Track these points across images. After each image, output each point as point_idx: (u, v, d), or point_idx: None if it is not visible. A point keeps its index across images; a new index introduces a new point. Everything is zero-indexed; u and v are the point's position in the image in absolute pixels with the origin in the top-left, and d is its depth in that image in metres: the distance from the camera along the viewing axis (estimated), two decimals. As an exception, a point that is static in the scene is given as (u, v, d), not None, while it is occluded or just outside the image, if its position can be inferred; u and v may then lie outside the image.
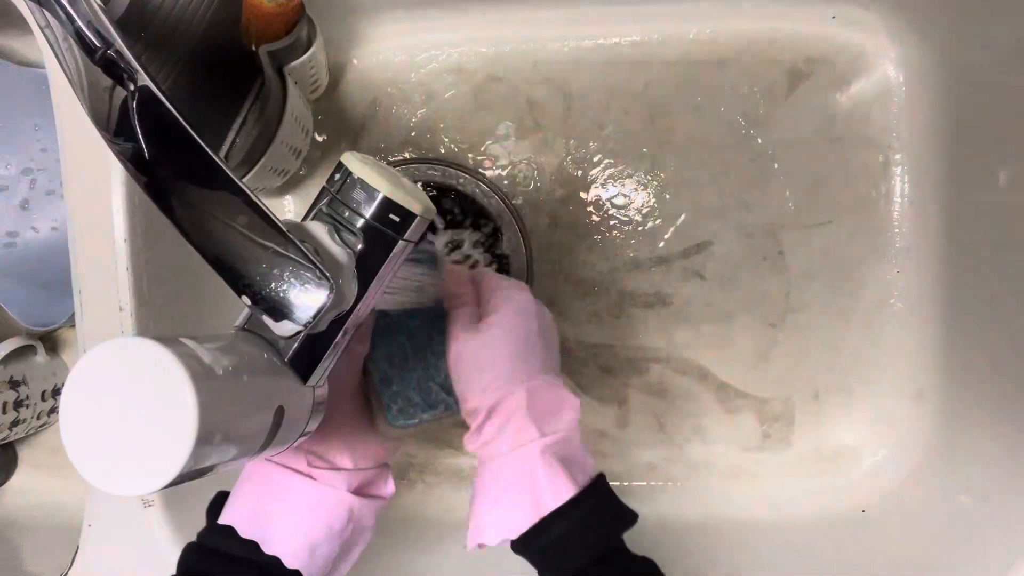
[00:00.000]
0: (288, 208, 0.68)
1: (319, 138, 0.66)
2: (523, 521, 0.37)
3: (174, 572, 0.37)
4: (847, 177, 0.64)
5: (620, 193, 0.65)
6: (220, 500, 0.40)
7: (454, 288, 0.45)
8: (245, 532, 0.37)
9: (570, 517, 0.37)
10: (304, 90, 0.59)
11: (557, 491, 0.37)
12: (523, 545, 0.38)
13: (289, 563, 0.37)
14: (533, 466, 0.38)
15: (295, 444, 0.35)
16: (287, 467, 0.39)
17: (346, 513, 0.39)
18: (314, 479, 0.39)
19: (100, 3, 0.31)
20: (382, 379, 0.43)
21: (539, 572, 0.39)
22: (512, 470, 0.39)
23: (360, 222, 0.34)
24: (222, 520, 0.38)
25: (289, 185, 0.67)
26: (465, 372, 0.41)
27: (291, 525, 0.38)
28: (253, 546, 0.37)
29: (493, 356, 0.40)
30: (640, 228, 0.65)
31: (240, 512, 0.38)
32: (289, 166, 0.61)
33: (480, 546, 0.40)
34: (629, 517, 0.40)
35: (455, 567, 0.58)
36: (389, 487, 0.43)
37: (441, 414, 0.44)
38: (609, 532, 0.38)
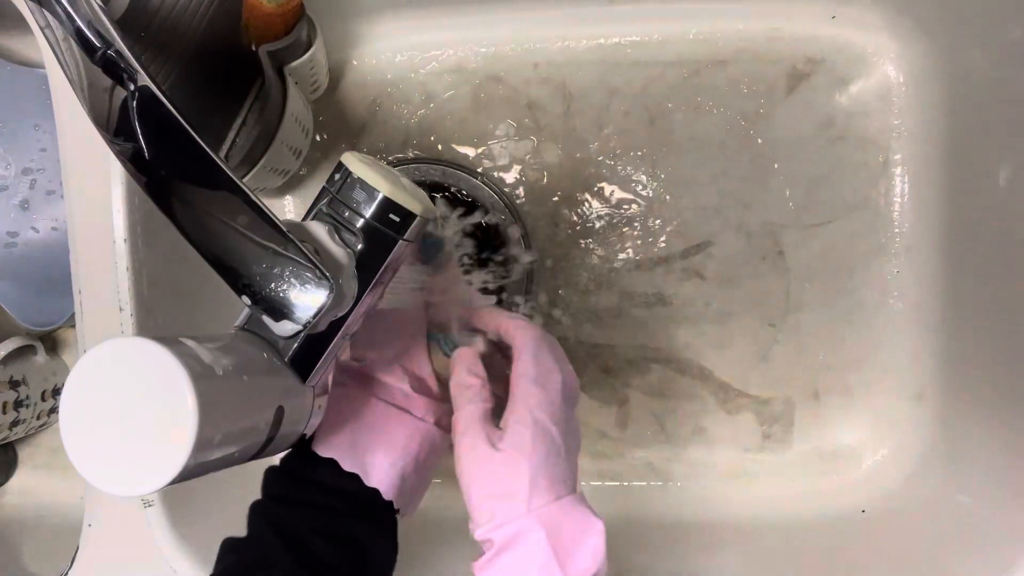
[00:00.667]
0: (288, 208, 0.68)
1: (319, 138, 0.66)
2: None
3: (270, 493, 0.38)
4: (847, 177, 0.64)
5: (620, 193, 0.65)
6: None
7: (464, 375, 0.40)
8: (347, 466, 0.38)
9: None
10: (304, 90, 0.59)
11: None
12: None
13: (387, 495, 0.38)
14: None
15: (294, 443, 0.35)
16: (383, 399, 0.40)
17: (430, 445, 0.40)
18: (408, 410, 0.40)
19: (100, 3, 0.31)
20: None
21: None
22: None
23: (360, 222, 0.34)
24: (322, 451, 0.38)
25: (289, 185, 0.67)
26: (476, 495, 0.37)
27: (388, 458, 0.39)
28: (353, 479, 0.38)
29: (510, 482, 0.36)
30: (640, 228, 0.65)
31: (340, 444, 0.38)
32: (289, 166, 0.61)
33: None
34: None
35: (455, 566, 0.58)
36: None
37: None
38: None
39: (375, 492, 0.38)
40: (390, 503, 0.39)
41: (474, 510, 0.37)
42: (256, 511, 0.38)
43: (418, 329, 0.43)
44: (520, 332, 0.40)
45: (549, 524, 0.35)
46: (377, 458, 0.38)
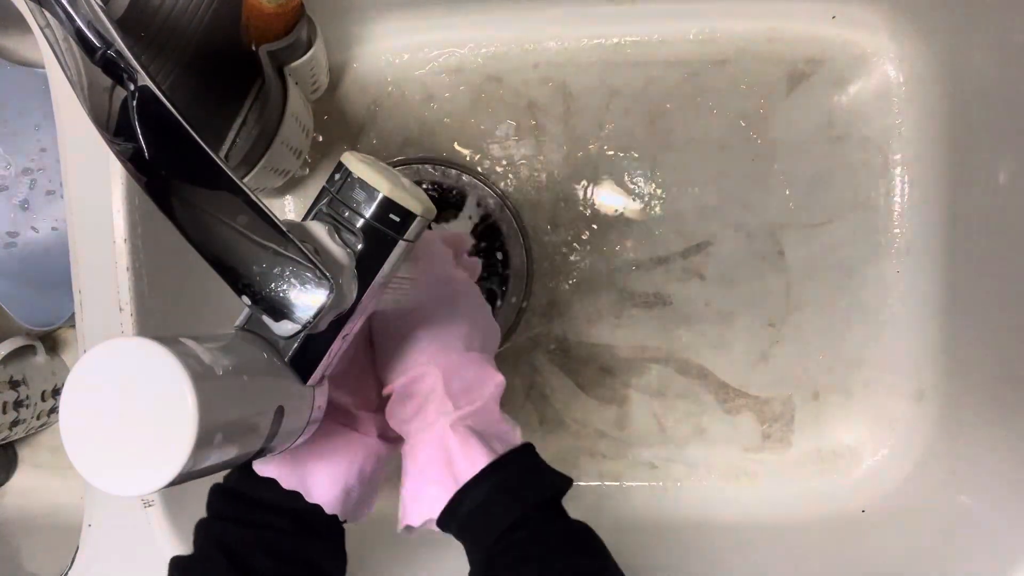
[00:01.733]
0: (288, 208, 0.68)
1: (319, 138, 0.66)
2: (442, 496, 0.37)
3: (214, 511, 0.38)
4: (847, 177, 0.64)
5: (620, 193, 0.65)
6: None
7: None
8: (287, 484, 0.38)
9: (485, 485, 0.36)
10: (305, 90, 0.59)
11: (472, 461, 0.37)
12: (444, 523, 0.38)
13: (329, 510, 0.39)
14: (446, 440, 0.38)
15: (295, 444, 0.35)
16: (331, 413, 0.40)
17: (375, 457, 0.41)
18: (348, 425, 0.41)
19: (100, 3, 0.31)
20: None
21: (466, 550, 0.38)
22: (427, 447, 0.39)
23: (360, 222, 0.34)
24: (261, 471, 0.38)
25: (289, 185, 0.67)
26: (381, 351, 0.41)
27: (329, 474, 0.39)
28: (295, 496, 0.38)
29: (409, 337, 0.40)
30: (640, 228, 0.65)
31: (281, 463, 0.39)
32: (290, 166, 0.61)
33: (408, 528, 0.39)
34: (557, 480, 0.38)
35: (452, 565, 0.58)
36: None
37: None
38: (532, 497, 0.37)
39: (317, 508, 0.38)
40: (332, 519, 0.40)
41: (382, 369, 0.41)
42: (201, 529, 0.38)
43: (362, 343, 0.43)
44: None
45: (446, 369, 0.39)
46: (318, 476, 0.39)
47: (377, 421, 0.42)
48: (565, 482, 0.39)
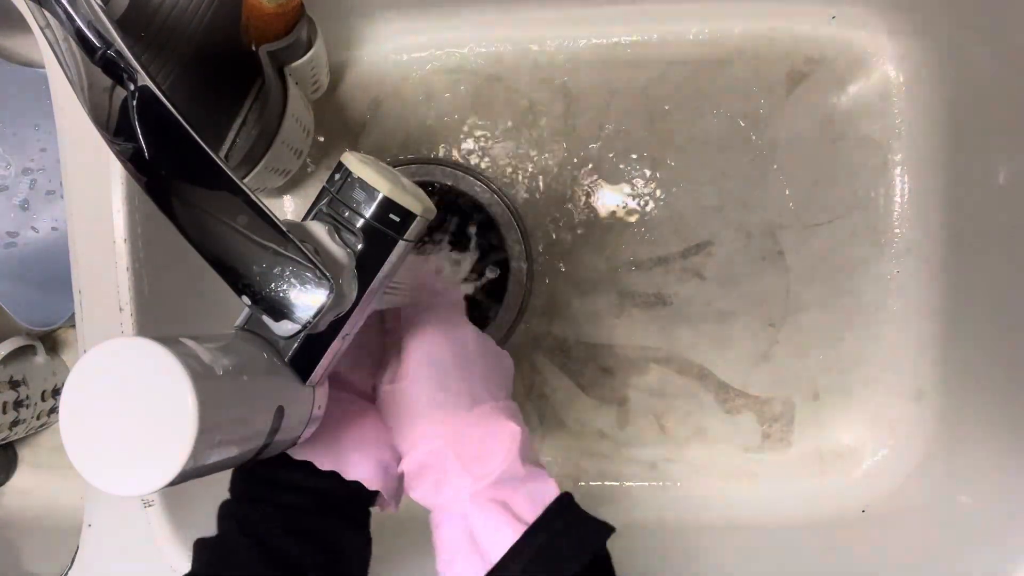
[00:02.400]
0: (288, 208, 0.68)
1: (319, 138, 0.66)
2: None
3: (237, 494, 0.38)
4: (847, 177, 0.64)
5: (620, 193, 0.65)
6: None
7: (391, 322, 0.43)
8: (323, 465, 0.38)
9: (516, 565, 0.34)
10: (305, 90, 0.59)
11: (499, 539, 0.35)
12: None
13: (370, 485, 0.39)
14: (468, 519, 0.36)
15: (294, 443, 0.35)
16: (353, 393, 0.40)
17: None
18: (374, 402, 0.41)
19: (100, 3, 0.31)
20: None
21: None
22: (451, 529, 0.37)
23: (360, 222, 0.34)
24: (296, 455, 0.38)
25: (289, 185, 0.67)
26: (388, 417, 0.40)
27: (364, 450, 0.39)
28: (319, 476, 0.38)
29: (411, 410, 0.39)
30: (640, 228, 0.65)
31: (315, 445, 0.38)
32: (290, 166, 0.61)
33: None
34: (593, 537, 0.36)
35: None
36: None
37: None
38: (569, 567, 0.34)
39: (349, 487, 0.38)
40: (361, 498, 0.40)
41: (397, 444, 0.40)
42: (224, 511, 0.38)
43: (376, 325, 0.43)
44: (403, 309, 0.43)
45: (452, 438, 0.38)
46: (353, 454, 0.39)
47: None
48: (604, 533, 0.36)
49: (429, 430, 0.38)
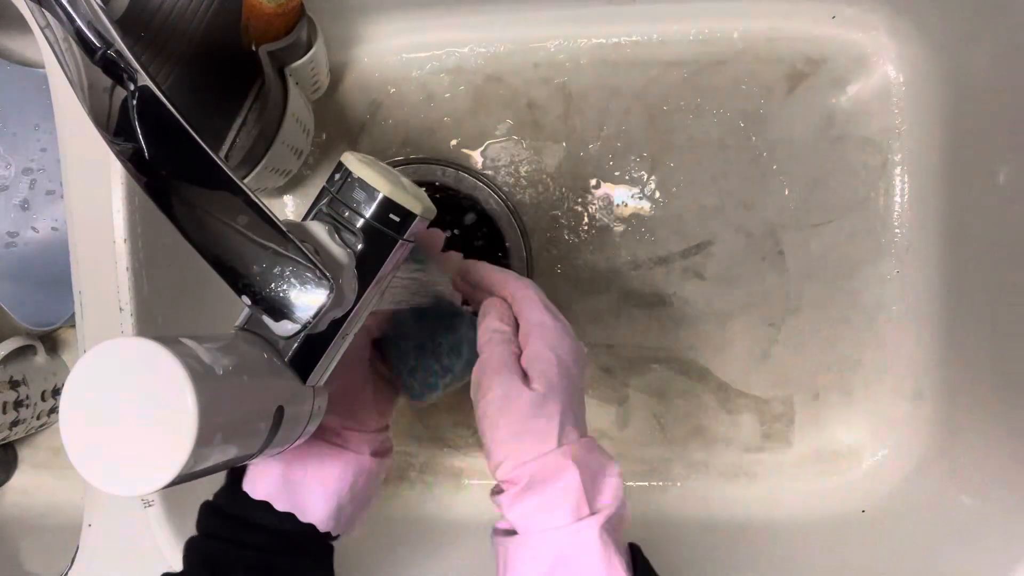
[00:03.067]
0: (288, 208, 0.68)
1: (319, 138, 0.66)
2: None
3: (205, 531, 0.38)
4: (847, 177, 0.64)
5: (620, 193, 0.65)
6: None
7: (495, 321, 0.41)
8: (280, 506, 0.38)
9: None
10: (305, 90, 0.59)
11: None
12: None
13: (323, 528, 0.39)
14: (591, 549, 0.34)
15: (294, 444, 0.35)
16: (315, 437, 0.40)
17: (366, 474, 0.41)
18: (340, 445, 0.41)
19: (100, 3, 0.31)
20: (399, 357, 0.44)
21: None
22: (562, 550, 0.35)
23: (360, 222, 0.34)
24: (254, 494, 0.39)
25: (289, 185, 0.67)
26: (504, 432, 0.37)
27: (320, 492, 0.39)
28: (289, 517, 0.38)
29: (540, 420, 0.36)
30: (640, 228, 0.65)
31: (274, 485, 0.39)
32: (290, 166, 0.61)
33: None
34: None
35: (454, 566, 0.58)
36: (391, 445, 0.45)
37: (460, 374, 0.44)
38: None
39: (309, 527, 0.39)
40: (325, 534, 0.40)
41: (498, 447, 0.37)
42: (189, 547, 0.38)
43: (357, 360, 0.42)
44: (523, 285, 0.42)
45: (579, 461, 0.36)
46: (311, 496, 0.39)
47: (368, 440, 0.42)
48: None
49: (552, 446, 0.36)
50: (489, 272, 0.43)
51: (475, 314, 0.44)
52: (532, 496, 0.36)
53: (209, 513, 0.39)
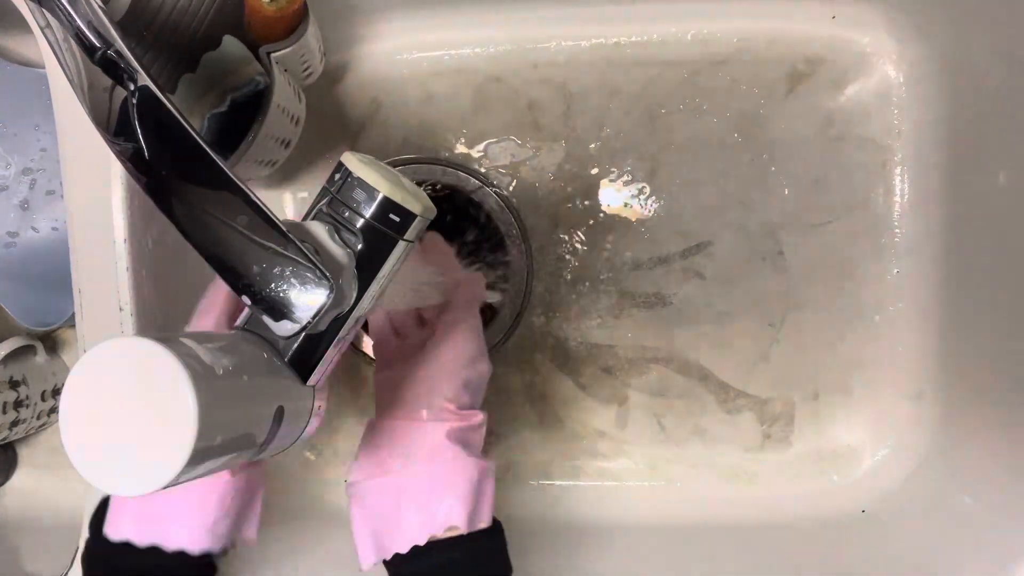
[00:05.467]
0: (288, 208, 0.68)
1: (320, 138, 0.66)
2: (454, 513, 0.40)
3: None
4: (847, 177, 0.64)
5: (620, 193, 0.65)
6: (103, 506, 0.41)
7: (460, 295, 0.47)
8: (142, 540, 0.38)
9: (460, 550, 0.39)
10: (296, 77, 0.58)
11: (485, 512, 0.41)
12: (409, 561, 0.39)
13: (195, 550, 0.38)
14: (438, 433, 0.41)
15: (294, 443, 0.35)
16: None
17: (233, 489, 0.40)
18: None
19: (100, 3, 0.31)
20: None
21: None
22: (442, 461, 0.41)
23: (360, 222, 0.34)
24: (114, 536, 0.38)
25: (289, 185, 0.67)
26: (457, 367, 0.44)
27: (186, 516, 0.39)
28: (154, 550, 0.38)
29: (432, 385, 0.43)
30: (640, 228, 0.65)
31: (130, 522, 0.38)
32: (277, 156, 0.60)
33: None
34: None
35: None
36: None
37: None
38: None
39: (178, 554, 0.38)
40: (203, 556, 0.39)
41: (452, 378, 0.43)
42: None
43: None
44: (469, 286, 0.48)
45: (452, 434, 0.43)
46: (173, 525, 0.39)
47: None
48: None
49: (436, 416, 0.42)
50: (448, 256, 0.51)
51: None
52: (384, 452, 0.42)
53: (88, 559, 0.39)
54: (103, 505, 0.41)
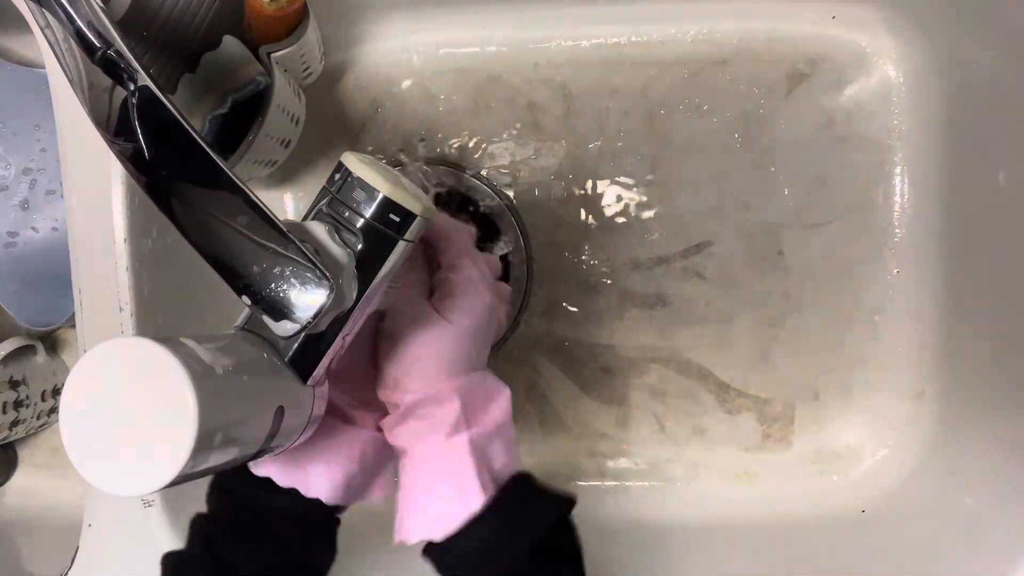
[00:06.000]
0: (288, 208, 0.68)
1: (320, 137, 0.66)
2: (451, 516, 0.37)
3: (209, 511, 0.39)
4: (847, 177, 0.64)
5: (620, 193, 0.65)
6: None
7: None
8: (284, 482, 0.38)
9: (490, 521, 0.36)
10: (296, 77, 0.58)
11: (480, 488, 0.37)
12: (439, 552, 0.37)
13: (329, 501, 0.39)
14: (462, 460, 0.38)
15: (295, 444, 0.35)
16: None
17: (374, 447, 0.41)
18: (348, 420, 0.41)
19: (100, 3, 0.31)
20: None
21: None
22: (438, 461, 0.38)
23: (360, 222, 0.34)
24: (256, 471, 0.38)
25: (289, 184, 0.67)
26: (400, 354, 0.39)
27: (327, 466, 0.39)
28: (290, 492, 0.38)
29: (441, 353, 0.39)
30: (640, 228, 0.65)
31: (276, 462, 0.39)
32: (277, 156, 0.60)
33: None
34: (553, 509, 0.39)
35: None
36: None
37: None
38: (531, 533, 0.37)
39: (314, 502, 0.39)
40: (329, 511, 0.40)
41: (397, 374, 0.39)
42: (193, 525, 0.39)
43: (366, 341, 0.42)
44: (456, 231, 0.43)
45: (464, 392, 0.39)
46: (315, 470, 0.39)
47: (376, 418, 0.42)
48: (563, 505, 0.39)
49: (443, 378, 0.39)
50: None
51: None
52: (407, 422, 0.39)
53: (213, 490, 0.39)
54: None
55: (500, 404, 0.41)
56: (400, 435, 0.40)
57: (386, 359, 0.40)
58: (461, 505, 0.36)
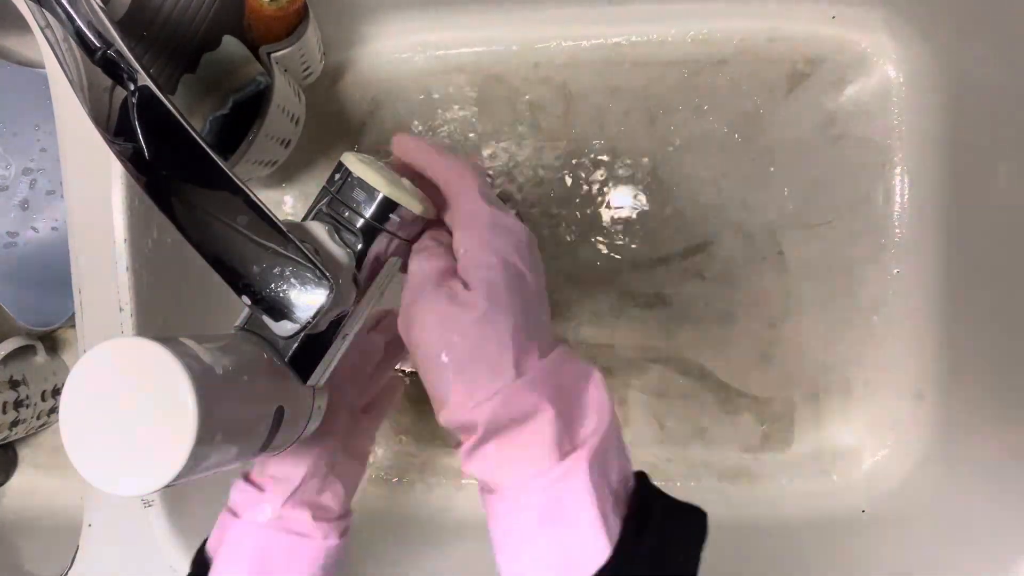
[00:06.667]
0: (288, 208, 0.68)
1: (320, 137, 0.66)
2: (593, 554, 0.28)
3: None
4: (847, 177, 0.64)
5: (620, 193, 0.65)
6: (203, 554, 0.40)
7: (424, 239, 0.34)
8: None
9: (643, 550, 0.29)
10: (296, 77, 0.58)
11: (615, 517, 0.29)
12: None
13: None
14: (579, 495, 0.28)
15: (294, 443, 0.35)
16: (288, 531, 0.39)
17: (335, 555, 0.41)
18: (311, 535, 0.40)
19: (100, 3, 0.31)
20: None
21: None
22: (546, 504, 0.28)
23: (360, 222, 0.34)
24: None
25: (289, 184, 0.67)
26: (443, 367, 0.29)
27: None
28: None
29: (488, 346, 0.29)
30: (640, 228, 0.65)
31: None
32: (277, 156, 0.60)
33: None
34: (698, 527, 0.30)
35: (455, 566, 0.58)
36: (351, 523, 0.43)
37: None
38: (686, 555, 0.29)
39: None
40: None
41: (440, 385, 0.29)
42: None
43: (321, 444, 0.40)
44: (458, 168, 0.33)
45: (547, 387, 0.28)
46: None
47: (338, 527, 0.41)
48: (702, 520, 0.32)
49: (512, 373, 0.28)
50: (426, 151, 0.34)
51: None
52: (494, 445, 0.29)
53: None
54: None
55: (596, 396, 0.30)
56: (482, 467, 0.30)
57: (428, 374, 0.30)
58: (582, 555, 0.28)
